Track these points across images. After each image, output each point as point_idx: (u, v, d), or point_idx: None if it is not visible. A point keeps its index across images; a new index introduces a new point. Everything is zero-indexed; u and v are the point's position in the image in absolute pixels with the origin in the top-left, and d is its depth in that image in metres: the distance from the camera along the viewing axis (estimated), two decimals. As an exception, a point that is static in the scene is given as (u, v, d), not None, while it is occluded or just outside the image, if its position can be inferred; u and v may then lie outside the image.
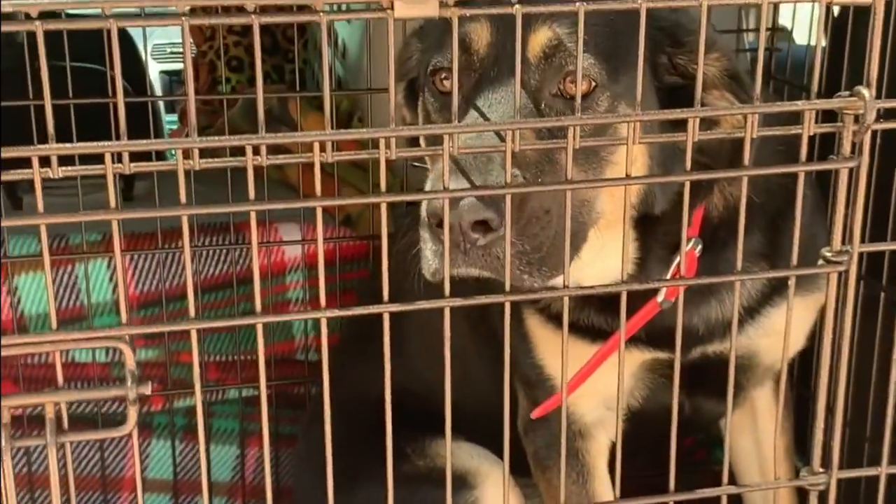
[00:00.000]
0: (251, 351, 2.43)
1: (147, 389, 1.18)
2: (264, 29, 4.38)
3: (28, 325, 2.26)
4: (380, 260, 2.29)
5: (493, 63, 1.44)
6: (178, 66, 5.83)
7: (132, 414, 1.18)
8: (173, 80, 6.21)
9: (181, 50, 5.75)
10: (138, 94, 3.09)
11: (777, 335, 1.65)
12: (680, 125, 1.23)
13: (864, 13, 1.87)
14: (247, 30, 4.12)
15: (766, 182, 1.65)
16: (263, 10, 1.15)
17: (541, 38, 1.44)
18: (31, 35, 1.10)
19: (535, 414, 1.70)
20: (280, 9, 1.16)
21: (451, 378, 1.81)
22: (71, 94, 2.14)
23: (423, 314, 1.30)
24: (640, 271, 1.61)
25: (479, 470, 1.96)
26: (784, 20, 2.88)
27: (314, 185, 1.18)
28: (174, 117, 4.97)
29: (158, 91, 5.76)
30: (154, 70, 5.66)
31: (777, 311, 1.71)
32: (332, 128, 1.14)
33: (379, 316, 1.71)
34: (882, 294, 1.95)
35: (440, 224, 1.30)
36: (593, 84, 1.45)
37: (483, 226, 1.31)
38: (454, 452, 2.00)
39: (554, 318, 1.72)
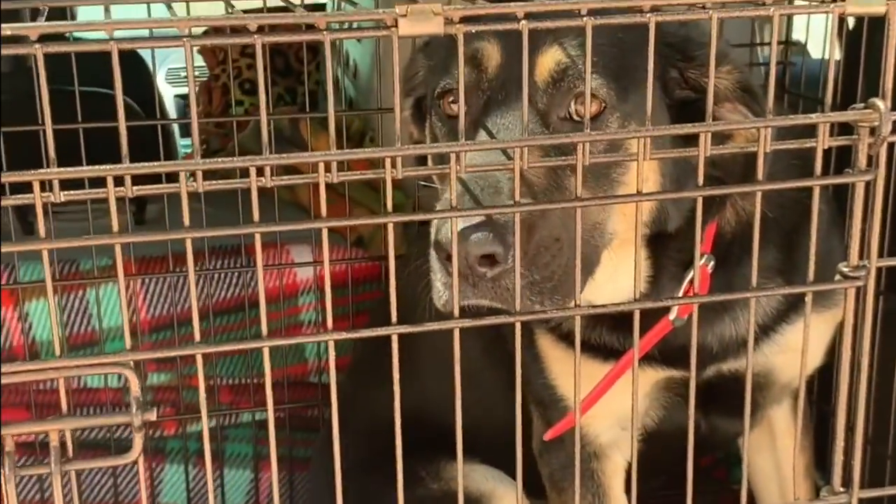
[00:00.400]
0: (262, 374, 2.41)
1: (152, 416, 1.16)
2: (277, 51, 4.40)
3: (39, 351, 2.25)
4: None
5: (501, 85, 1.42)
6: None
7: (138, 441, 1.17)
8: (186, 103, 6.23)
9: (196, 74, 5.77)
10: (151, 118, 3.08)
11: (793, 352, 1.62)
12: (692, 140, 1.21)
13: (879, 25, 1.86)
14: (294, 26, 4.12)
15: (780, 197, 1.63)
16: (272, 29, 1.14)
17: (549, 60, 1.42)
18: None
19: (547, 436, 1.68)
20: (286, 28, 1.15)
21: (466, 400, 1.79)
22: (80, 119, 2.14)
23: (437, 336, 1.28)
24: (653, 289, 1.59)
25: (494, 493, 1.94)
26: (798, 34, 2.86)
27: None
28: (189, 141, 4.98)
29: (173, 115, 5.77)
30: (169, 94, 5.67)
31: (793, 327, 1.68)
32: (340, 147, 1.13)
33: (388, 338, 1.70)
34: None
35: (449, 257, 1.29)
36: (603, 105, 1.44)
37: (490, 259, 1.30)
38: (468, 475, 1.98)
39: (565, 338, 1.70)
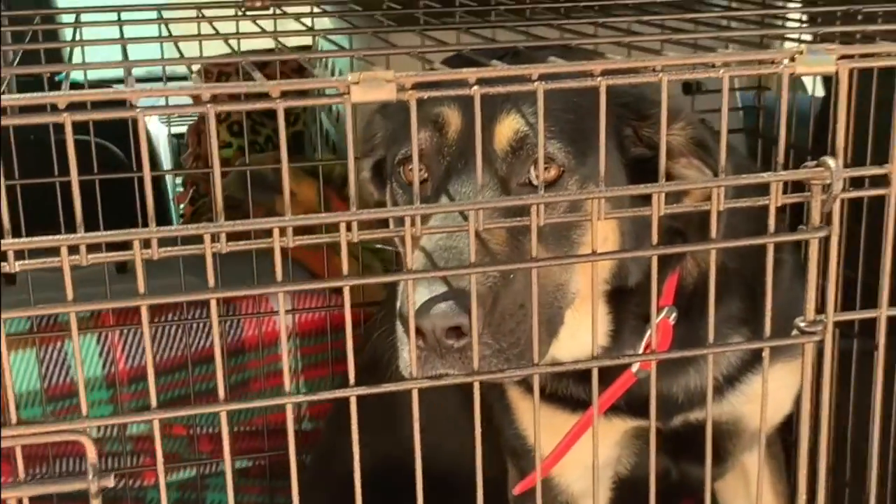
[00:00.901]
0: (244, 422, 2.42)
1: (109, 482, 1.17)
2: (266, 94, 4.41)
3: (18, 404, 2.25)
4: (370, 328, 2.28)
5: (461, 152, 1.43)
6: (184, 128, 5.87)
7: (95, 506, 1.17)
8: (181, 142, 6.25)
9: (187, 114, 5.79)
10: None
11: (759, 401, 1.63)
12: (650, 197, 1.23)
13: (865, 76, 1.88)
14: (247, 95, 4.13)
15: (742, 247, 1.64)
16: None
17: (507, 129, 1.44)
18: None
19: (515, 491, 1.68)
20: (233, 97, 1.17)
21: (447, 450, 1.79)
22: (96, 170, 2.17)
23: None
24: (614, 343, 1.59)
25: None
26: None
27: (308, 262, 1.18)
28: (179, 179, 4.99)
29: (167, 153, 5.79)
30: (163, 134, 5.70)
31: (758, 377, 1.69)
32: (327, 195, 1.14)
33: (367, 383, 1.70)
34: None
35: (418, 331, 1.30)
36: (561, 169, 1.44)
37: (457, 331, 1.30)
38: (447, 527, 1.99)
39: (541, 394, 1.71)
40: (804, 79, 3.02)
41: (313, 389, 2.43)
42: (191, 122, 4.83)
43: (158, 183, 4.13)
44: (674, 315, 1.58)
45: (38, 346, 2.24)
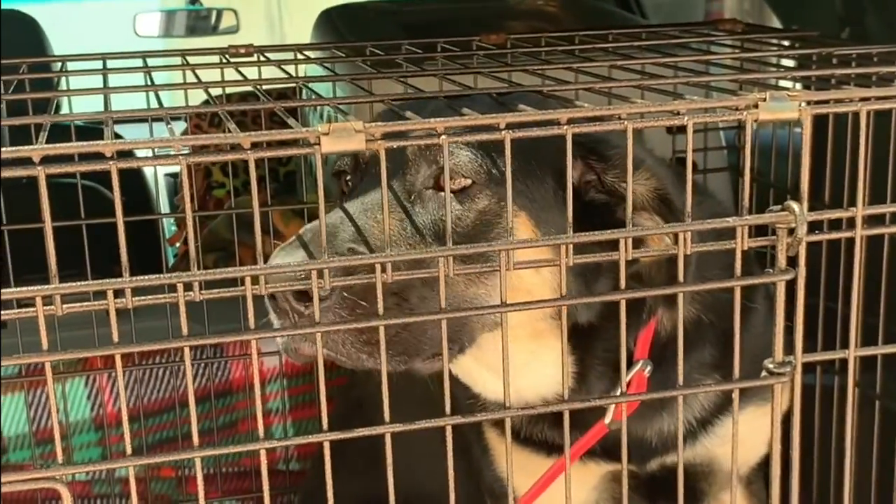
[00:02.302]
0: (232, 463, 2.43)
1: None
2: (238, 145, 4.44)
3: (7, 447, 2.27)
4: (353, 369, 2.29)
5: (375, 163, 1.46)
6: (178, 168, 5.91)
7: (72, 555, 1.18)
8: (177, 181, 6.28)
9: (184, 152, 5.82)
10: (139, 204, 3.11)
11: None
12: (600, 244, 1.24)
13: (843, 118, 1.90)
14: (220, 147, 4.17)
15: (715, 300, 1.65)
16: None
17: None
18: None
19: None
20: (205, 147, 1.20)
21: (433, 487, 1.80)
22: (83, 213, 2.20)
23: (396, 416, 1.30)
24: (581, 388, 1.60)
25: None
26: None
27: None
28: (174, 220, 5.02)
29: (163, 193, 5.82)
30: (160, 172, 5.74)
31: (731, 419, 1.70)
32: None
33: (354, 424, 1.72)
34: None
35: (272, 296, 1.30)
36: (470, 181, 1.45)
37: (305, 295, 1.29)
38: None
39: (516, 437, 1.72)
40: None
41: (301, 430, 2.45)
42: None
43: (152, 224, 4.15)
44: (648, 369, 1.59)
45: (27, 390, 2.26)
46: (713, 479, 1.82)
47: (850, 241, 1.37)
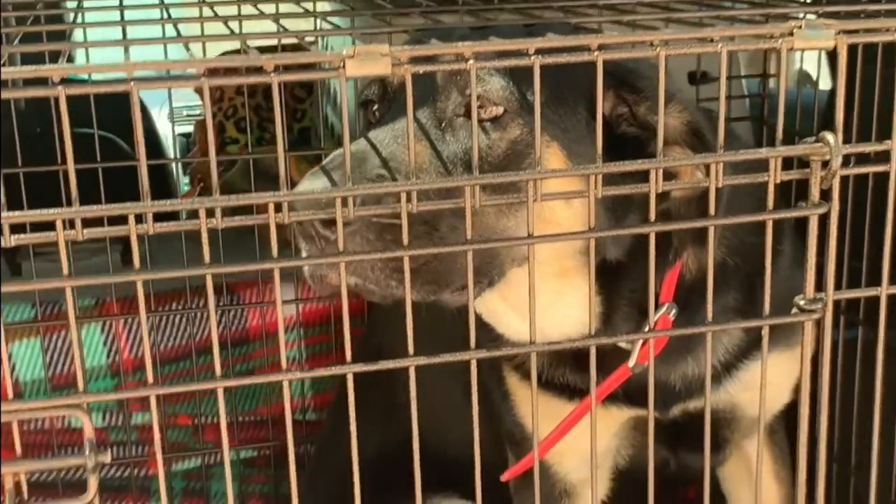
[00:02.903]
0: (248, 412, 2.42)
1: (106, 458, 1.16)
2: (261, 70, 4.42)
3: (23, 392, 2.26)
4: (375, 317, 2.28)
5: (403, 90, 1.43)
6: (191, 128, 5.89)
7: (93, 482, 1.16)
8: (189, 141, 6.26)
9: (195, 112, 5.80)
10: (151, 157, 3.08)
11: (758, 389, 1.62)
12: (631, 176, 1.21)
13: (871, 56, 1.87)
14: (254, 91, 4.16)
15: (741, 243, 1.62)
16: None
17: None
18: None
19: (504, 477, 1.67)
20: (236, 71, 1.17)
21: (450, 434, 1.78)
22: (99, 159, 2.19)
23: (421, 370, 1.27)
24: (606, 328, 1.57)
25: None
26: (808, 64, 2.86)
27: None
28: (186, 179, 5.00)
29: (175, 153, 5.80)
30: (171, 132, 5.71)
31: (756, 364, 1.67)
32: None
33: (371, 374, 1.70)
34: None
35: (298, 222, 1.27)
36: (502, 109, 1.42)
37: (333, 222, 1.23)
38: (447, 510, 1.99)
39: (530, 376, 1.70)
40: (812, 72, 3.00)
41: (317, 380, 2.43)
42: (197, 120, 4.83)
43: (165, 180, 4.14)
44: (673, 312, 1.55)
45: (43, 335, 2.25)
46: (736, 427, 1.80)
47: (878, 182, 1.34)
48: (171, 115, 5.59)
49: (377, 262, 1.32)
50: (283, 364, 1.24)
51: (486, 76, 1.40)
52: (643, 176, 1.22)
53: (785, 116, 2.37)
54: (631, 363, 1.53)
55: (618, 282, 1.54)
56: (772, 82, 2.47)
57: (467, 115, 1.42)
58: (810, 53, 2.89)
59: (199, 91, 4.45)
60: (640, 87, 1.45)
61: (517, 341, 1.61)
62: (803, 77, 3.57)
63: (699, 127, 1.43)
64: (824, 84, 2.89)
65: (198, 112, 5.84)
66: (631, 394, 1.64)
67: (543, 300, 1.47)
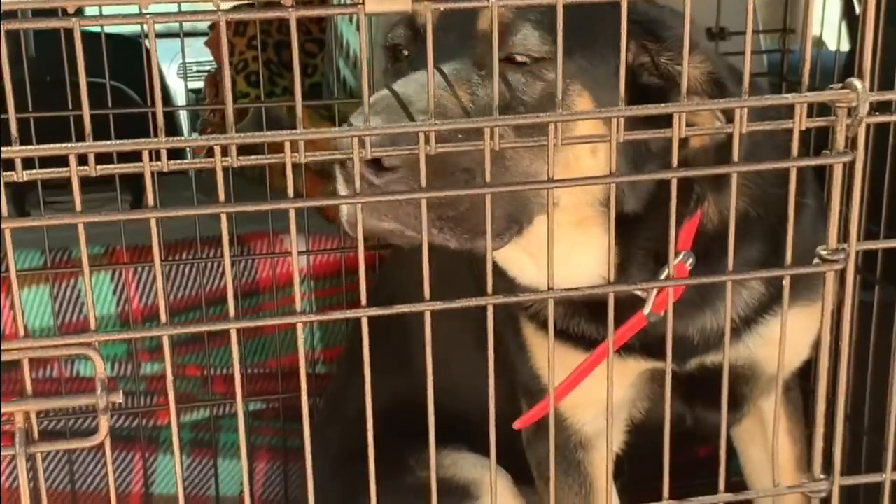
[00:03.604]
0: (258, 364, 2.41)
1: (118, 397, 1.15)
2: (284, 44, 4.40)
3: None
4: (385, 269, 2.26)
5: (439, 37, 1.41)
6: (202, 83, 5.88)
7: (104, 422, 1.15)
8: (199, 97, 6.24)
9: (205, 68, 5.78)
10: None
11: (777, 345, 1.61)
12: (653, 122, 1.19)
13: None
14: (264, 45, 4.13)
15: (764, 194, 1.60)
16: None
17: (489, 13, 1.40)
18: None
19: (517, 424, 1.65)
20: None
21: (460, 387, 1.77)
22: (110, 105, 2.19)
23: (431, 321, 1.26)
24: (622, 278, 1.55)
25: (483, 481, 1.93)
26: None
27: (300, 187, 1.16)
28: (196, 135, 4.99)
29: (185, 117, 5.80)
30: (181, 89, 5.70)
31: (776, 320, 1.65)
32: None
33: (383, 326, 1.68)
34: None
35: (342, 163, 1.30)
36: (537, 56, 1.41)
37: (377, 164, 1.27)
38: (457, 463, 1.98)
39: (546, 326, 1.69)
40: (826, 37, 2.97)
41: (328, 331, 2.42)
42: (207, 73, 4.80)
43: (175, 133, 4.13)
44: (690, 261, 1.54)
45: (52, 283, 2.24)
46: (754, 384, 1.78)
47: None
48: (183, 69, 5.60)
49: (417, 207, 1.30)
50: (298, 307, 1.22)
51: (521, 24, 1.40)
52: (665, 124, 1.20)
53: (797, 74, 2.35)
54: (646, 311, 1.52)
55: (634, 232, 1.53)
56: (791, 39, 2.44)
57: (507, 60, 1.42)
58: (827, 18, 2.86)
59: (209, 45, 4.43)
60: (664, 36, 1.45)
61: (533, 288, 1.59)
62: (817, 44, 3.55)
63: (720, 76, 1.43)
64: (843, 46, 2.86)
65: (207, 68, 5.81)
66: (648, 345, 1.62)
67: (560, 249, 1.45)
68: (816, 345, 1.76)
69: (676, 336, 1.66)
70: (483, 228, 1.34)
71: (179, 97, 5.49)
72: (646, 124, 1.23)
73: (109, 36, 2.58)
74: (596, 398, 1.60)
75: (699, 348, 1.68)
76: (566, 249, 1.51)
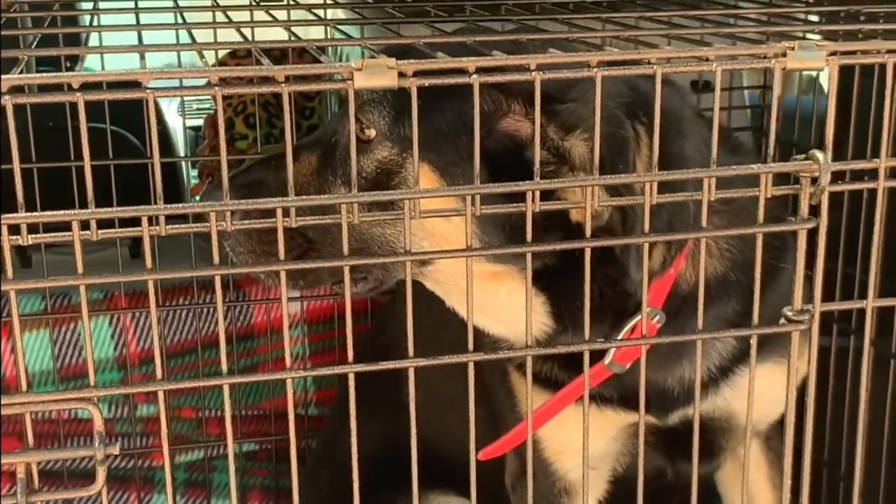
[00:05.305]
0: (251, 406, 2.47)
1: (115, 449, 1.21)
2: (273, 79, 4.47)
3: (32, 382, 2.30)
4: (381, 316, 2.31)
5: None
6: (201, 121, 5.95)
7: (101, 473, 1.21)
8: (198, 135, 6.31)
9: (205, 106, 5.85)
10: (162, 152, 3.13)
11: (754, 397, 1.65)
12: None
13: (868, 73, 1.91)
14: (256, 79, 4.19)
15: (745, 260, 1.64)
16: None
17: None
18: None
19: (482, 455, 1.66)
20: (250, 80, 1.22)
21: (451, 434, 1.83)
22: (111, 156, 2.26)
23: (423, 370, 1.31)
24: (573, 330, 1.58)
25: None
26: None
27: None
28: (196, 172, 5.06)
29: (184, 146, 5.86)
30: (180, 126, 5.77)
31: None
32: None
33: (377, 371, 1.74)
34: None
35: None
36: (373, 132, 1.51)
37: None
38: (444, 507, 2.04)
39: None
40: (822, 81, 3.04)
41: (318, 376, 2.48)
42: (207, 114, 4.87)
43: (174, 174, 4.19)
44: (657, 317, 1.56)
45: (52, 327, 2.30)
46: (731, 435, 1.83)
47: (871, 197, 1.38)
48: (181, 109, 5.65)
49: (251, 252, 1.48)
50: (288, 363, 1.28)
51: (369, 103, 1.50)
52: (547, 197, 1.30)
53: (784, 127, 2.43)
54: (606, 361, 1.55)
55: (567, 286, 1.53)
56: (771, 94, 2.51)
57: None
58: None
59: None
60: (557, 110, 1.42)
61: (513, 341, 1.65)
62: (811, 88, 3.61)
63: (603, 155, 1.34)
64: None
65: (207, 107, 5.88)
66: (627, 397, 1.67)
67: (496, 301, 1.57)
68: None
69: (657, 387, 1.71)
70: (321, 279, 1.61)
71: (178, 134, 5.55)
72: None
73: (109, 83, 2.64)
74: (579, 447, 1.65)
75: (680, 399, 1.72)
76: (502, 301, 1.57)
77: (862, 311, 1.93)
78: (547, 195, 1.26)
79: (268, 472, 2.50)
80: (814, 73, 2.82)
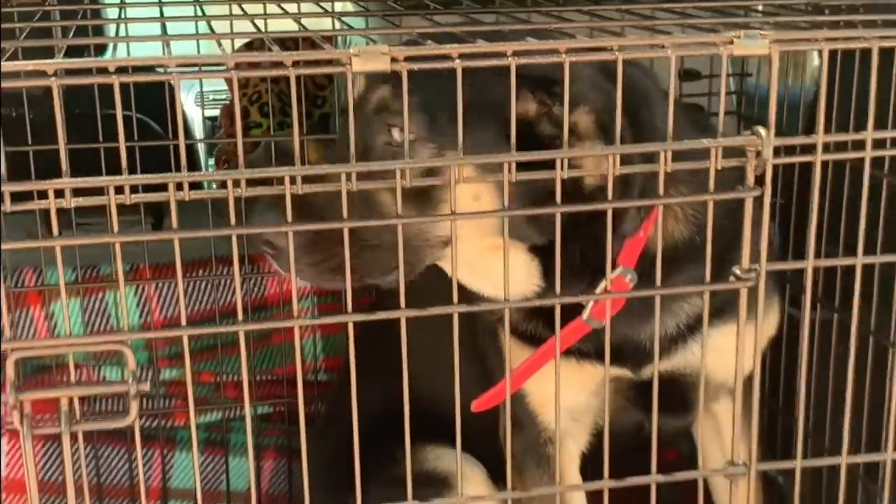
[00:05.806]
0: (266, 371, 2.64)
1: (146, 387, 1.39)
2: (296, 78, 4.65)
3: (64, 347, 2.49)
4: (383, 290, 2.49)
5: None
6: (217, 111, 6.12)
7: (133, 407, 1.39)
8: (214, 124, 6.50)
9: (221, 97, 6.04)
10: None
11: (720, 354, 1.78)
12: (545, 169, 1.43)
13: (850, 59, 2.05)
14: (277, 78, 4.35)
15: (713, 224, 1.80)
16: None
17: (377, 96, 1.65)
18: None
19: (474, 406, 1.82)
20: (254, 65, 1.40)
21: (443, 389, 2.00)
22: (136, 136, 2.44)
23: (421, 328, 1.51)
24: (552, 287, 1.67)
25: (462, 472, 2.14)
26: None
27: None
28: (213, 160, 5.25)
29: (202, 135, 6.05)
30: (198, 116, 5.95)
31: (718, 331, 1.81)
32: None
33: (376, 339, 1.92)
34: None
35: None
36: (413, 136, 1.59)
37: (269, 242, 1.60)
38: (440, 457, 2.20)
39: (517, 333, 1.90)
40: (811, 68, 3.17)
41: (329, 344, 2.65)
42: (223, 104, 5.06)
43: (192, 159, 4.37)
44: (630, 276, 1.71)
45: (82, 297, 2.49)
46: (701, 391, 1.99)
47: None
48: (200, 99, 5.82)
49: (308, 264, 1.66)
50: (295, 312, 1.46)
51: (399, 108, 1.54)
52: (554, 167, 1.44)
53: (761, 110, 2.58)
54: (584, 316, 1.72)
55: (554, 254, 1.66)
56: (750, 80, 2.68)
57: (389, 144, 1.66)
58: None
59: (227, 80, 4.69)
60: (558, 91, 1.55)
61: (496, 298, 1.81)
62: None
63: (604, 123, 1.57)
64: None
65: (223, 97, 6.07)
66: (603, 352, 1.83)
67: (495, 268, 1.65)
68: (763, 358, 1.98)
69: (631, 342, 1.86)
70: (369, 273, 1.71)
71: (196, 124, 5.74)
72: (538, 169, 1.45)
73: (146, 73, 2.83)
74: (563, 400, 1.82)
75: (652, 354, 1.88)
76: (499, 267, 1.73)
77: (828, 281, 2.11)
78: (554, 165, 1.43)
79: (281, 433, 2.68)
80: (815, 64, 2.97)
